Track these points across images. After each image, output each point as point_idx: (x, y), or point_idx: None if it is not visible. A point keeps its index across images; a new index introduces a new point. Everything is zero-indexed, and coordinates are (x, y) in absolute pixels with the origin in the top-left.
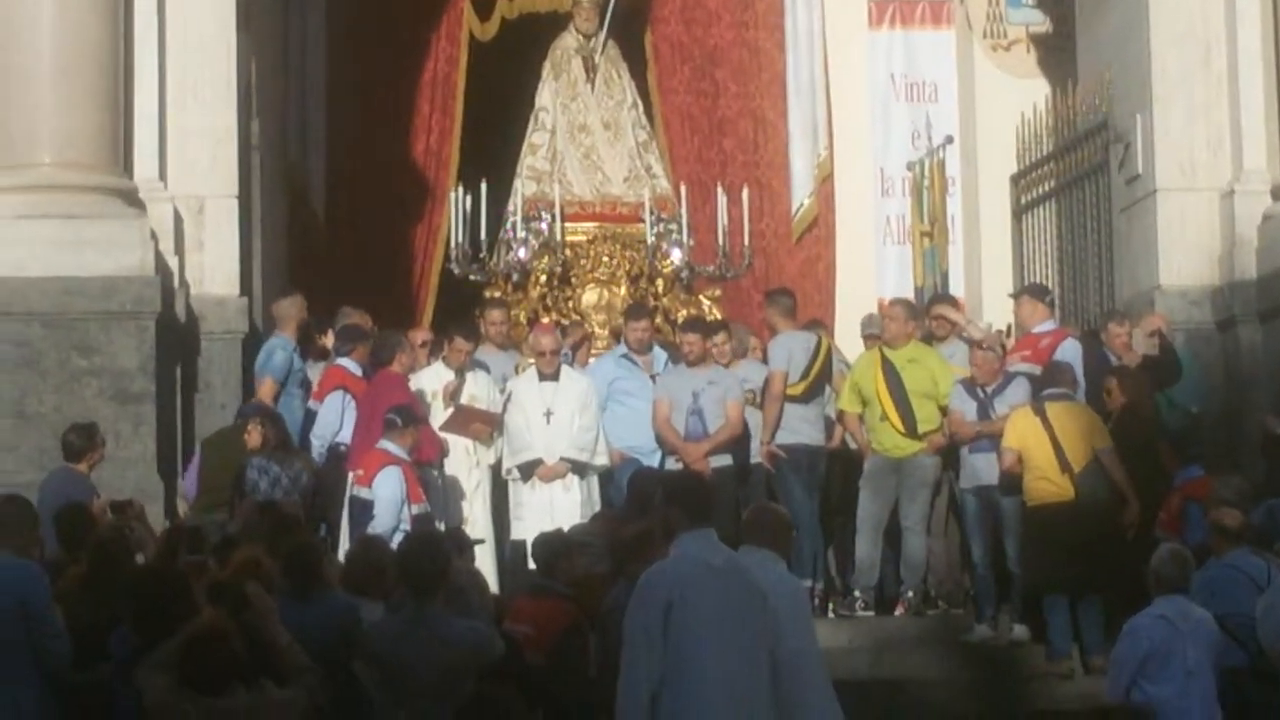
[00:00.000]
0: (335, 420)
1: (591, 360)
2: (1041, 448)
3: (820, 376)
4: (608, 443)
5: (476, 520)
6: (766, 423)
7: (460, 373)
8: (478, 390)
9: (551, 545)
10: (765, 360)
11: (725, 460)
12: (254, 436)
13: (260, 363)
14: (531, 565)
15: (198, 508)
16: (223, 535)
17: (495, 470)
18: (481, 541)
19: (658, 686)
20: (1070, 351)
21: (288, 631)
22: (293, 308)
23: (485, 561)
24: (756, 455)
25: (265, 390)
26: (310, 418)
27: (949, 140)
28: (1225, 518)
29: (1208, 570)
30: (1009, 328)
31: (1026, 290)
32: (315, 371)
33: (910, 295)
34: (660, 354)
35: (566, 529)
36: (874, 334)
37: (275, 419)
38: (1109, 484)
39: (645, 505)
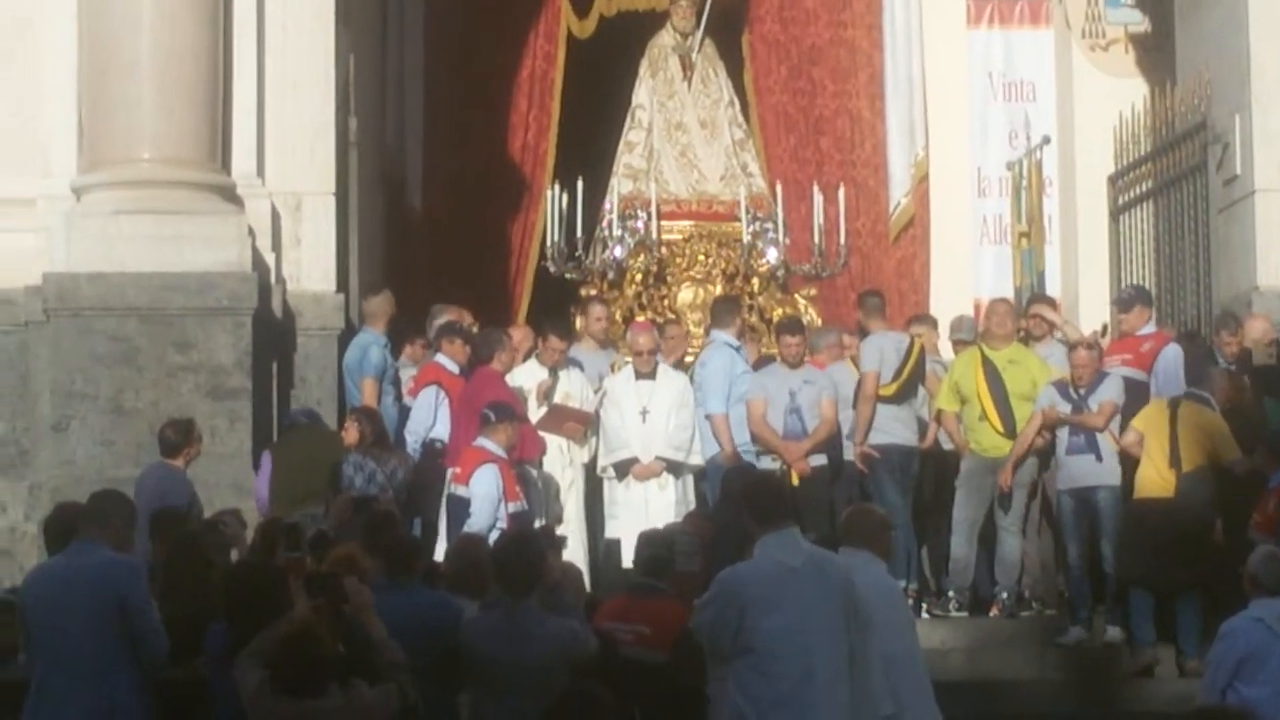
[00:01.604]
0: (428, 416)
1: (701, 353)
2: (1159, 438)
3: (912, 377)
4: (726, 439)
5: (569, 518)
6: (860, 423)
7: (554, 371)
8: (571, 388)
9: (655, 544)
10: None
11: (821, 460)
12: (351, 433)
13: (355, 360)
14: (626, 563)
15: (278, 508)
16: (317, 531)
17: (589, 468)
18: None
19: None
20: (1173, 356)
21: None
22: (383, 304)
23: (578, 559)
24: (848, 454)
25: (368, 390)
26: (404, 414)
27: (1046, 140)
28: None
29: None
30: (1104, 328)
31: (1139, 299)
32: (406, 372)
33: (1007, 295)
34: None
35: (660, 528)
36: (963, 338)
37: (372, 416)
38: (1209, 494)
39: (736, 504)
